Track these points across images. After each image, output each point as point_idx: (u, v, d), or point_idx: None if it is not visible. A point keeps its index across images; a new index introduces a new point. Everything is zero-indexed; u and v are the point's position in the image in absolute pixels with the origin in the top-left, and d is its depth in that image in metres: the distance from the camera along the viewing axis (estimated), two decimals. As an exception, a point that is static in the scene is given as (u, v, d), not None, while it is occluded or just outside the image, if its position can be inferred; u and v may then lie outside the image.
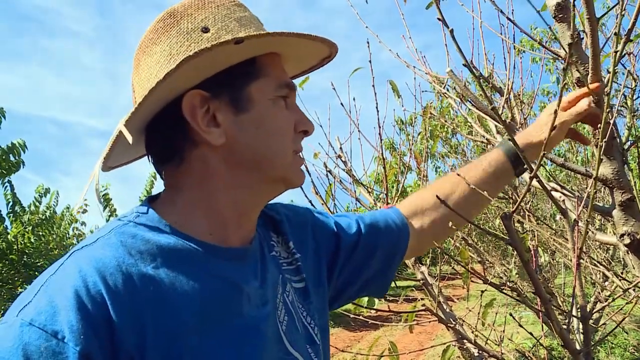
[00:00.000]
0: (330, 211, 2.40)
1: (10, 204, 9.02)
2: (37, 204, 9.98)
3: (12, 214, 8.99)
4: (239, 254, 0.88)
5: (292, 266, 1.01)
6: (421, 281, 2.10)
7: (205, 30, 0.83)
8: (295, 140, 0.91)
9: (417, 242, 1.22)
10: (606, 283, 3.81)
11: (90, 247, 0.76)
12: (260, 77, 0.87)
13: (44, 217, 9.78)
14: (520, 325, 1.37)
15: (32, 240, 9.30)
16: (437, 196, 1.06)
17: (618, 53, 0.99)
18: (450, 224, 1.09)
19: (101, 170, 0.88)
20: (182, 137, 0.85)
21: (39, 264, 9.39)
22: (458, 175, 1.19)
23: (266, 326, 0.86)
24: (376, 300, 2.16)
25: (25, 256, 9.15)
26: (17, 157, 6.82)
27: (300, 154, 0.94)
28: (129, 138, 0.79)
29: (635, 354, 5.45)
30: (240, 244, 0.90)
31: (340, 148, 2.49)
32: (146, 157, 0.94)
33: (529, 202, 4.11)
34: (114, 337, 0.68)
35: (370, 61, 2.08)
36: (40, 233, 9.60)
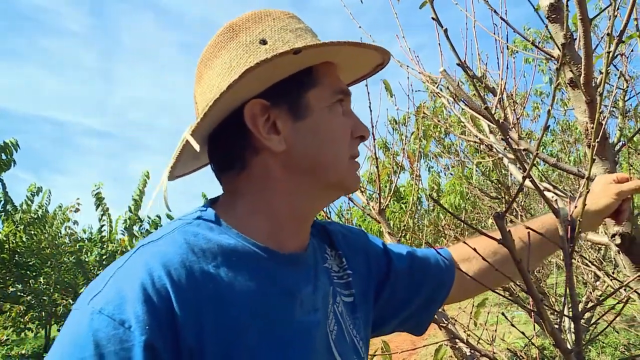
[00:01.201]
0: (322, 210, 2.41)
1: (2, 202, 8.98)
2: (29, 202, 9.94)
3: (3, 213, 8.95)
4: (294, 260, 0.91)
5: (342, 280, 1.04)
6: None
7: (263, 42, 0.87)
8: (352, 145, 0.95)
9: (459, 288, 1.21)
10: (598, 283, 3.83)
11: (155, 243, 0.80)
12: (317, 86, 0.90)
13: (35, 216, 9.74)
14: (513, 325, 1.38)
15: (24, 239, 9.26)
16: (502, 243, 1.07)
17: (610, 54, 0.99)
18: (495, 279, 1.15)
19: (171, 179, 0.94)
20: (244, 144, 0.89)
21: (30, 263, 9.36)
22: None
23: (317, 332, 0.88)
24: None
25: (16, 255, 9.11)
26: (8, 156, 6.80)
27: (357, 159, 0.98)
28: (196, 147, 0.84)
29: (626, 353, 5.47)
30: (296, 249, 0.93)
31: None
32: (209, 165, 0.98)
33: (521, 201, 4.13)
34: (177, 330, 0.71)
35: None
36: (32, 232, 9.55)
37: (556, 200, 1.48)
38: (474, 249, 0.95)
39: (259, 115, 0.87)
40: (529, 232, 1.11)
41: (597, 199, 1.19)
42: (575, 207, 1.05)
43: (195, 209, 0.90)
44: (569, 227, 0.90)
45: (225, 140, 0.91)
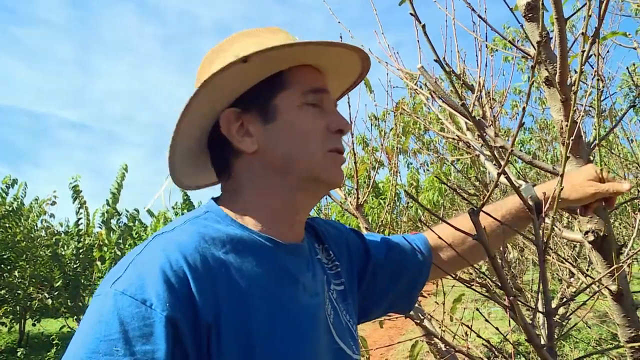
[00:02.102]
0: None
1: (-24, 195, 8.83)
2: (4, 195, 9.79)
3: (-23, 205, 8.80)
4: (294, 249, 0.99)
5: (333, 271, 1.11)
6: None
7: (242, 59, 0.92)
8: (329, 140, 0.99)
9: (433, 272, 1.28)
10: (572, 280, 3.89)
11: (170, 233, 0.87)
12: (287, 88, 0.97)
13: (10, 209, 9.59)
14: (487, 321, 1.39)
15: (-2, 232, 9.12)
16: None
17: (585, 53, 1.00)
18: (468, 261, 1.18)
19: (185, 188, 1.12)
20: (228, 150, 0.99)
21: (5, 256, 9.22)
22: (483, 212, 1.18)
23: (320, 314, 0.97)
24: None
25: (-10, 248, 8.96)
26: (-17, 147, 6.69)
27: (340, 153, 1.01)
28: (169, 160, 0.99)
29: (597, 347, 5.57)
30: (294, 240, 1.00)
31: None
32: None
33: (499, 198, 4.17)
34: (195, 308, 0.78)
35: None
36: (7, 225, 9.41)
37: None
38: (444, 239, 1.09)
39: (233, 121, 0.97)
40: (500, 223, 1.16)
41: (571, 191, 1.21)
42: (544, 193, 1.11)
43: (202, 206, 0.99)
44: (541, 223, 0.91)
45: (214, 148, 1.02)
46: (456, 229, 0.90)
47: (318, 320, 0.95)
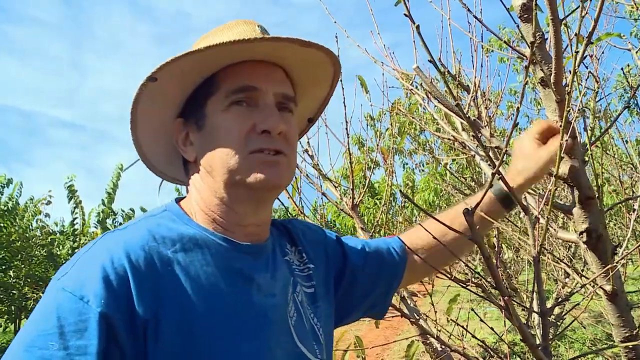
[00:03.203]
0: (297, 206, 2.41)
1: (-30, 194, 8.79)
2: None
3: (-28, 205, 8.77)
4: (251, 250, 0.98)
5: (304, 273, 1.11)
6: (386, 276, 2.11)
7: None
8: (252, 141, 0.93)
9: (411, 274, 1.29)
10: (567, 280, 3.89)
11: (121, 231, 0.89)
12: (216, 92, 0.96)
13: (5, 209, 9.56)
14: (482, 321, 1.39)
15: (-7, 231, 9.09)
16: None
17: (579, 54, 1.00)
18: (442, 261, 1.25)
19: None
20: (183, 157, 1.02)
21: (0, 256, 9.18)
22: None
23: (274, 315, 0.95)
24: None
25: (-15, 248, 8.93)
26: (-22, 147, 6.66)
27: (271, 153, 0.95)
28: (131, 163, 1.08)
29: (592, 347, 5.58)
30: (252, 241, 0.99)
31: (308, 142, 2.49)
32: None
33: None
34: (132, 305, 0.79)
35: (338, 56, 2.07)
36: (2, 224, 9.38)
37: (525, 197, 1.50)
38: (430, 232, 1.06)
39: (179, 132, 1.01)
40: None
41: (526, 162, 1.23)
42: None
43: (163, 205, 1.01)
44: (536, 224, 0.92)
45: (181, 156, 1.04)
46: (443, 223, 0.93)
47: (270, 320, 0.94)
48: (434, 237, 1.03)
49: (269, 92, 0.96)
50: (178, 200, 1.03)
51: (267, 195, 0.97)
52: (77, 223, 9.69)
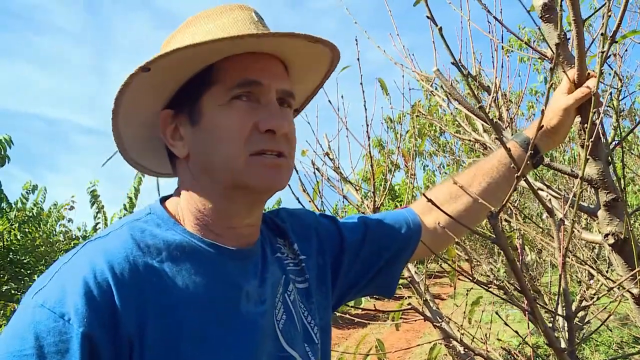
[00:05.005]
0: (318, 209, 2.41)
1: (-3, 200, 8.93)
2: (24, 200, 9.89)
3: (-2, 211, 8.91)
4: (239, 255, 0.93)
5: (297, 267, 1.06)
6: (408, 279, 2.11)
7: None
8: (255, 141, 0.88)
9: (433, 239, 1.23)
10: (591, 282, 3.84)
11: (102, 239, 0.84)
12: (214, 85, 0.89)
13: (30, 214, 9.69)
14: (506, 324, 1.38)
15: (19, 237, 9.21)
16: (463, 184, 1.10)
17: (604, 54, 0.99)
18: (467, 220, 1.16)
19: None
20: (170, 152, 0.95)
21: (25, 261, 9.31)
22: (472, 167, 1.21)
23: (263, 322, 0.91)
24: (363, 299, 2.17)
25: (11, 253, 9.06)
26: (2, 153, 6.76)
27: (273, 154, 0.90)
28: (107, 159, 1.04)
29: (619, 351, 5.49)
30: (240, 245, 0.94)
31: (329, 146, 2.49)
32: None
33: (515, 201, 4.14)
34: (116, 321, 0.74)
35: (358, 59, 2.08)
36: (27, 230, 9.51)
37: (550, 199, 1.48)
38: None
39: (167, 124, 0.93)
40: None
41: (551, 117, 1.18)
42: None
43: (146, 206, 0.94)
44: (561, 226, 0.90)
45: (167, 150, 0.97)
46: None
47: (260, 328, 0.90)
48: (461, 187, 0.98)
49: (272, 88, 0.90)
50: (163, 199, 0.96)
51: (265, 196, 0.94)
52: (99, 228, 9.79)
